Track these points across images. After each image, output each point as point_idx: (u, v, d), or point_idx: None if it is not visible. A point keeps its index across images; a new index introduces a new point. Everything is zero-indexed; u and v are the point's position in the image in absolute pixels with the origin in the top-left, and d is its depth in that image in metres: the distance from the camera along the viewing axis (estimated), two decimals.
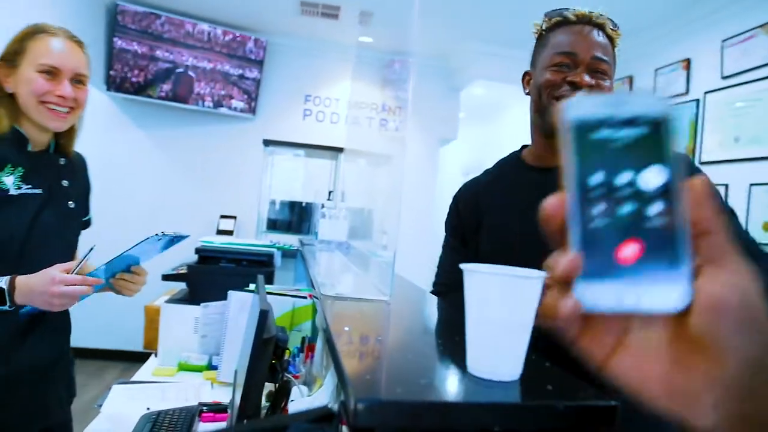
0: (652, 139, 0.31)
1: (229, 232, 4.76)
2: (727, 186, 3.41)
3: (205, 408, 1.73)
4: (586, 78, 1.17)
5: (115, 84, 4.55)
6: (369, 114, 5.39)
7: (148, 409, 1.68)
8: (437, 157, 5.59)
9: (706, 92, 3.65)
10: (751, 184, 3.23)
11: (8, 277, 1.28)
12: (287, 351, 1.57)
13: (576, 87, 1.17)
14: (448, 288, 1.40)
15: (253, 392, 1.24)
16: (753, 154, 3.25)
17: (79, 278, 1.31)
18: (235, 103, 4.95)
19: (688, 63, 3.85)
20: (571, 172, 0.31)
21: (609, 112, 0.31)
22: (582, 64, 1.19)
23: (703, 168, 3.61)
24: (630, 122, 0.31)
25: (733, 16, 3.47)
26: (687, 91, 3.83)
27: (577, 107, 0.31)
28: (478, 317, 0.63)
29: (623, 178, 0.31)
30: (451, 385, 0.66)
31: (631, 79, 4.45)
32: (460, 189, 1.52)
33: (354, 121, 5.39)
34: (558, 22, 1.27)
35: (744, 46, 3.37)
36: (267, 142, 5.11)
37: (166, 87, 4.70)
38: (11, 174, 1.34)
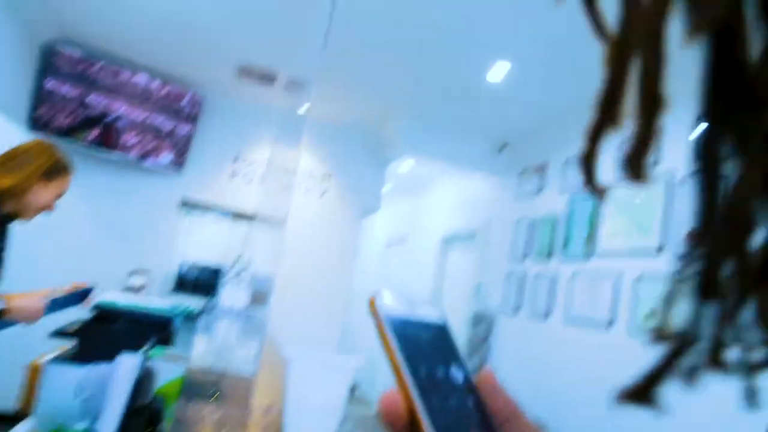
0: (444, 340, 0.35)
1: (140, 289, 4.61)
2: (618, 276, 3.64)
3: None
4: None
5: (39, 124, 4.45)
6: (295, 180, 5.47)
7: None
8: (359, 227, 5.69)
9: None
10: (637, 276, 3.47)
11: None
12: (167, 419, 1.54)
13: None
14: None
15: None
16: (639, 245, 3.50)
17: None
18: (163, 157, 4.91)
19: None
20: (404, 368, 0.31)
21: (409, 315, 0.34)
22: None
23: (598, 257, 3.87)
24: (426, 326, 0.35)
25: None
26: None
27: (388, 305, 0.34)
28: (291, 397, 0.69)
29: (440, 373, 0.33)
30: None
31: (543, 166, 4.76)
32: None
33: (282, 187, 5.45)
34: None
35: None
36: (186, 202, 5.03)
37: (94, 133, 4.63)
38: None
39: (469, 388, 0.33)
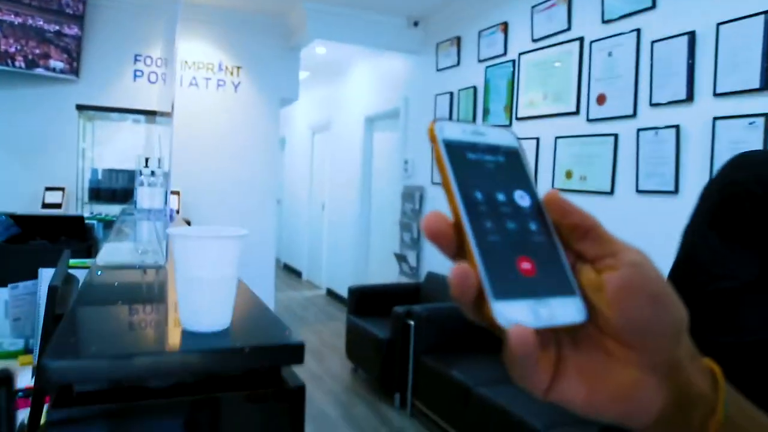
0: (514, 165, 0.34)
1: (57, 206, 4.41)
2: (537, 139, 3.78)
3: (20, 393, 1.66)
4: None
5: None
6: (206, 75, 5.19)
7: None
8: (278, 117, 5.55)
9: (520, 53, 3.97)
10: (556, 137, 3.61)
11: None
12: None
13: None
14: None
15: None
16: (557, 110, 3.62)
17: None
18: (53, 63, 4.52)
19: (505, 26, 4.14)
20: (455, 189, 0.31)
21: (475, 138, 0.33)
22: None
23: (518, 123, 3.97)
24: (493, 149, 0.34)
25: None
26: (505, 52, 4.13)
27: (449, 130, 0.33)
28: (181, 276, 0.71)
29: (501, 197, 0.32)
30: (149, 339, 0.75)
31: (458, 39, 4.70)
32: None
33: (191, 82, 5.17)
34: None
35: (548, 12, 3.70)
36: (81, 107, 4.67)
37: None
38: None
39: (538, 211, 0.33)
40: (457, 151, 0.32)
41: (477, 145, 0.33)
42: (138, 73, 4.94)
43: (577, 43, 3.46)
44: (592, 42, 3.37)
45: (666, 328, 0.31)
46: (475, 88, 4.46)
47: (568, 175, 3.52)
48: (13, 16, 4.30)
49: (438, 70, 4.99)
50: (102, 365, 0.60)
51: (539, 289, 0.30)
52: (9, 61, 4.32)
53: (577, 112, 3.47)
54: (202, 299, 0.71)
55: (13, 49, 4.33)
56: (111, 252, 1.36)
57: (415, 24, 5.19)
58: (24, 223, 2.21)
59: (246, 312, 0.91)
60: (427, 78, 5.20)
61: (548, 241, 0.32)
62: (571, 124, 3.52)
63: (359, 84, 6.69)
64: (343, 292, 6.94)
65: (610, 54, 3.25)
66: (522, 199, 0.33)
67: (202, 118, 5.15)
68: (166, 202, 1.84)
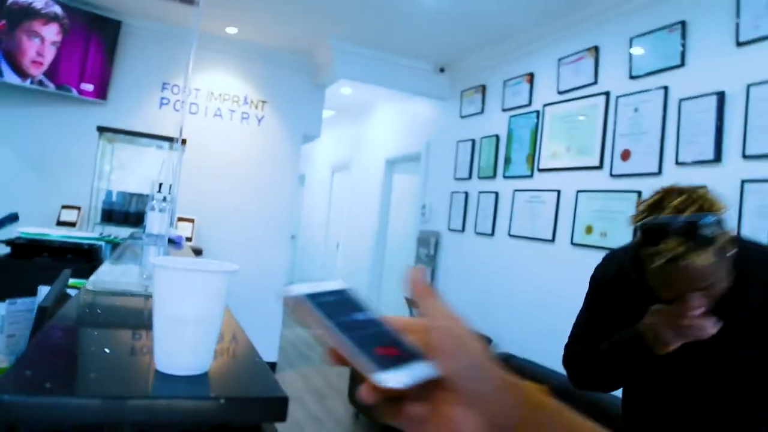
0: (351, 297, 0.47)
1: (72, 224, 4.42)
2: (559, 192, 3.71)
3: None
4: (696, 303, 1.13)
5: None
6: (231, 107, 5.25)
7: None
8: (299, 153, 5.56)
9: (545, 105, 3.95)
10: (578, 191, 3.54)
11: None
12: None
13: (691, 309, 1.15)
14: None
15: None
16: (580, 164, 3.56)
17: None
18: (83, 85, 4.60)
19: (531, 77, 4.14)
20: (330, 326, 0.42)
21: (320, 289, 0.45)
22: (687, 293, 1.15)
23: (540, 175, 3.91)
24: (335, 293, 0.46)
25: (568, 38, 3.79)
26: (530, 103, 4.12)
27: (300, 289, 0.45)
28: (159, 312, 0.63)
29: (357, 317, 0.45)
30: (114, 378, 0.65)
31: (483, 88, 4.71)
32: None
33: (216, 113, 5.22)
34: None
35: (575, 65, 3.69)
36: (102, 129, 4.73)
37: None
38: None
39: (378, 319, 0.45)
40: (316, 298, 0.44)
41: (324, 293, 0.45)
42: (164, 101, 5.01)
43: (603, 98, 3.43)
44: (618, 97, 3.33)
45: (463, 371, 0.41)
46: (497, 137, 4.43)
47: (588, 230, 3.43)
48: (53, 40, 4.40)
49: (462, 117, 4.99)
50: (51, 405, 0.52)
51: (400, 362, 0.41)
52: (38, 81, 4.41)
53: (600, 167, 3.40)
54: (180, 339, 0.62)
55: (43, 69, 4.42)
56: (105, 275, 1.31)
57: (441, 70, 5.22)
58: (30, 240, 2.19)
59: (231, 355, 0.81)
60: (449, 124, 5.20)
61: (391, 331, 0.45)
62: (593, 178, 3.46)
63: (382, 126, 6.73)
64: None
65: (636, 110, 3.20)
66: (366, 314, 0.45)
67: (223, 149, 5.19)
68: (172, 226, 1.80)
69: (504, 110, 4.40)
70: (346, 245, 7.50)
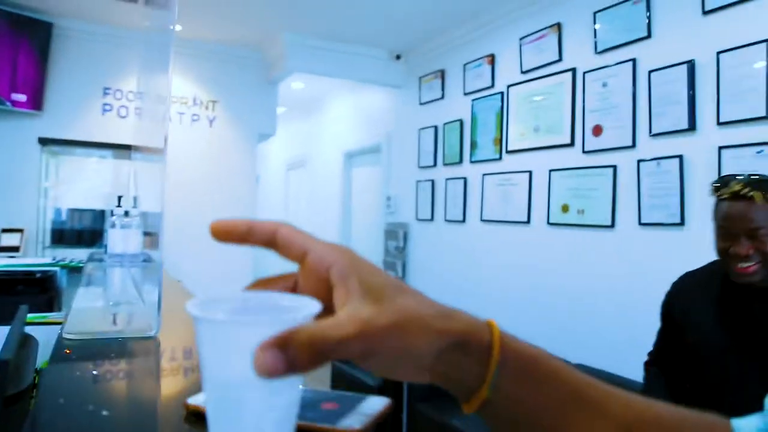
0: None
1: (15, 249, 4.09)
2: (531, 173, 3.65)
3: None
4: (743, 250, 1.39)
5: None
6: (179, 109, 4.98)
7: None
8: (255, 153, 5.34)
9: (508, 85, 3.88)
10: (550, 170, 3.49)
11: None
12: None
13: (740, 257, 1.41)
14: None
15: None
16: (550, 142, 3.50)
17: None
18: (14, 96, 4.26)
19: (492, 58, 4.05)
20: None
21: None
22: (739, 236, 1.41)
23: (509, 157, 3.84)
24: None
25: (529, 16, 3.71)
26: (493, 85, 4.04)
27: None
28: (209, 376, 0.40)
29: None
30: None
31: (443, 72, 4.61)
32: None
33: (159, 117, 4.94)
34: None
35: (538, 44, 3.62)
36: (45, 141, 4.40)
37: None
38: None
39: None
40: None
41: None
42: (107, 107, 4.70)
43: (569, 74, 3.38)
44: (585, 73, 3.28)
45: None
46: (461, 122, 4.34)
47: (564, 208, 3.38)
48: None
49: (421, 103, 4.88)
50: None
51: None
52: None
53: (571, 144, 3.35)
54: (250, 416, 0.38)
55: None
56: (83, 314, 1.12)
57: (398, 57, 5.09)
58: None
59: None
60: (409, 112, 5.08)
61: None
62: (565, 156, 3.40)
63: (337, 119, 6.56)
64: None
65: (604, 84, 3.16)
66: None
67: (174, 154, 4.92)
68: (157, 246, 1.61)
69: (466, 94, 4.31)
70: None
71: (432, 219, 4.68)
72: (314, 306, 0.37)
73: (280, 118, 5.57)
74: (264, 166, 8.95)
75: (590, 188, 3.22)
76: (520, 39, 3.77)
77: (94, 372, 0.72)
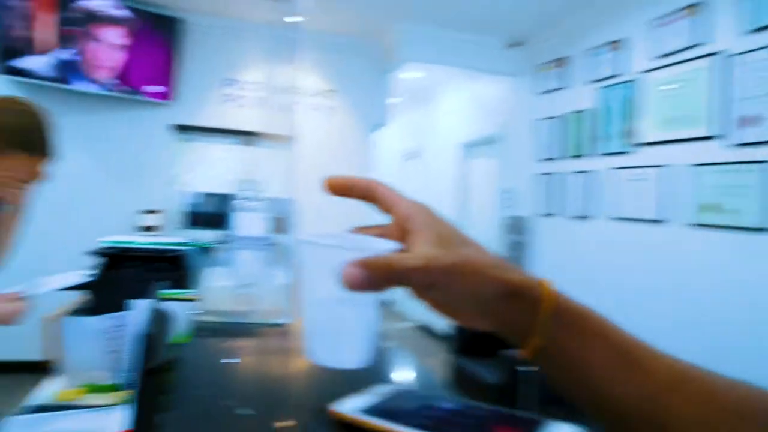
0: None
1: (155, 228, 4.40)
2: (664, 167, 3.37)
3: None
4: None
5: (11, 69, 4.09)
6: (300, 98, 5.12)
7: None
8: (370, 143, 5.38)
9: (640, 72, 3.60)
10: (689, 165, 3.19)
11: None
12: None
13: None
14: None
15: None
16: (690, 134, 3.20)
17: (25, 308, 1.61)
18: (150, 88, 4.56)
19: (619, 44, 3.79)
20: None
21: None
22: None
23: (640, 149, 3.57)
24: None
25: None
26: (621, 72, 3.77)
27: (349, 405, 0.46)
28: (312, 296, 0.54)
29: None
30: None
31: (564, 60, 4.38)
32: None
33: (283, 106, 5.11)
34: None
35: (674, 26, 3.32)
36: (180, 128, 4.71)
37: (68, 68, 4.27)
38: None
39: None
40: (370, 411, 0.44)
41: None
42: (228, 97, 4.93)
43: (712, 59, 3.06)
44: (732, 56, 2.95)
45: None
46: (585, 112, 4.10)
47: (706, 208, 3.08)
48: (113, 40, 4.37)
49: (539, 93, 4.67)
50: None
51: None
52: (107, 86, 4.39)
53: (715, 137, 3.04)
54: (341, 325, 0.53)
55: (112, 74, 4.40)
56: (213, 294, 1.14)
57: (515, 45, 4.91)
58: (118, 250, 2.08)
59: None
60: (526, 102, 4.89)
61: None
62: (707, 149, 3.09)
63: (452, 109, 6.46)
64: (438, 327, 6.62)
65: (759, 69, 2.82)
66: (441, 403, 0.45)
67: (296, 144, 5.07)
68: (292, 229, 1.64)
69: (590, 82, 4.06)
70: None
71: (554, 214, 4.48)
72: (393, 245, 0.48)
73: (395, 109, 5.58)
74: (380, 156, 9.04)
75: (738, 186, 2.91)
76: (652, 21, 3.48)
77: (223, 361, 0.71)
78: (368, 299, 0.54)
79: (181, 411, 0.51)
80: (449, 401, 0.38)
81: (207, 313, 0.93)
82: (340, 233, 0.57)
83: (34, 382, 2.04)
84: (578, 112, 4.17)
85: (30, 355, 3.92)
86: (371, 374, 0.64)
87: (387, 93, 5.41)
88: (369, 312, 0.55)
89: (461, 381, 4.11)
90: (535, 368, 0.41)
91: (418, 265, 0.38)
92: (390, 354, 0.79)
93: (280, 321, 0.91)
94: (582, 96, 4.15)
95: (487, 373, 3.73)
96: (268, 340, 0.84)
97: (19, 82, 4.30)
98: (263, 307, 1.03)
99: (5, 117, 1.42)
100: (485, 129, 5.58)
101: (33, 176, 1.51)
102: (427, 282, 0.39)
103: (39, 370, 2.15)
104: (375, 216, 0.50)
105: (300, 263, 0.54)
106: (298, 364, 0.66)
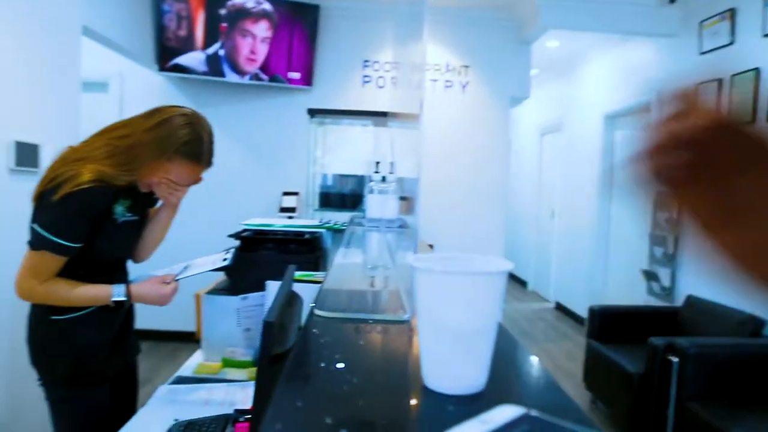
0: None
1: (292, 210, 4.59)
2: None
3: (240, 418, 1.53)
4: None
5: (166, 64, 4.44)
6: (433, 76, 5.03)
7: (175, 420, 1.50)
8: (508, 118, 5.15)
9: None
10: None
11: (124, 290, 1.60)
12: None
13: None
14: None
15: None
16: None
17: (176, 286, 1.70)
18: (290, 74, 4.72)
19: None
20: None
21: None
22: None
23: None
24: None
25: None
26: None
27: None
28: (428, 322, 0.56)
29: None
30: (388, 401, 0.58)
31: (733, 12, 3.85)
32: None
33: (415, 84, 5.05)
34: None
35: None
36: (312, 112, 4.83)
37: (219, 62, 4.54)
38: (121, 205, 1.60)
39: None
40: None
41: None
42: (366, 79, 4.97)
43: None
44: None
45: None
46: (757, 71, 3.58)
47: None
48: (258, 33, 4.57)
49: (702, 53, 4.16)
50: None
51: None
52: (253, 75, 4.61)
53: None
54: (452, 353, 0.55)
55: (257, 65, 4.61)
56: (342, 272, 1.10)
57: (671, 1, 4.40)
58: (255, 233, 2.15)
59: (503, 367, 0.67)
60: (686, 64, 4.37)
61: None
62: None
63: (596, 78, 6.00)
64: (575, 308, 6.29)
65: None
66: None
67: (429, 121, 5.00)
68: (414, 213, 1.59)
69: (766, 36, 3.53)
70: (563, 213, 6.93)
71: None
72: (507, 264, 0.52)
73: (532, 81, 5.29)
74: (515, 131, 8.72)
75: None
76: None
77: (340, 365, 0.66)
78: (488, 326, 0.55)
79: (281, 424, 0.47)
80: None
81: (325, 311, 0.89)
82: (452, 255, 0.57)
83: (189, 351, 2.20)
84: (747, 71, 3.65)
85: (185, 326, 4.30)
86: (490, 396, 0.57)
87: (528, 64, 5.13)
88: (488, 339, 0.56)
89: (596, 369, 3.84)
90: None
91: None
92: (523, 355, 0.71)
93: (402, 317, 0.84)
94: (754, 53, 3.62)
95: (626, 361, 3.43)
96: (387, 341, 0.78)
97: (178, 78, 4.67)
98: (388, 305, 0.97)
99: (179, 127, 1.55)
100: (635, 97, 5.11)
101: (193, 182, 1.65)
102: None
103: (191, 340, 2.31)
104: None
105: (415, 288, 0.56)
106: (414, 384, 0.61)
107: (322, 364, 0.68)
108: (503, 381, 0.61)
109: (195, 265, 1.78)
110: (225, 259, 1.79)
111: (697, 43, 4.22)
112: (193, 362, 2.02)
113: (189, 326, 4.52)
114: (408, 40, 4.89)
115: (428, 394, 0.56)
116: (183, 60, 4.43)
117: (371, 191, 1.91)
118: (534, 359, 0.73)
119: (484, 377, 0.57)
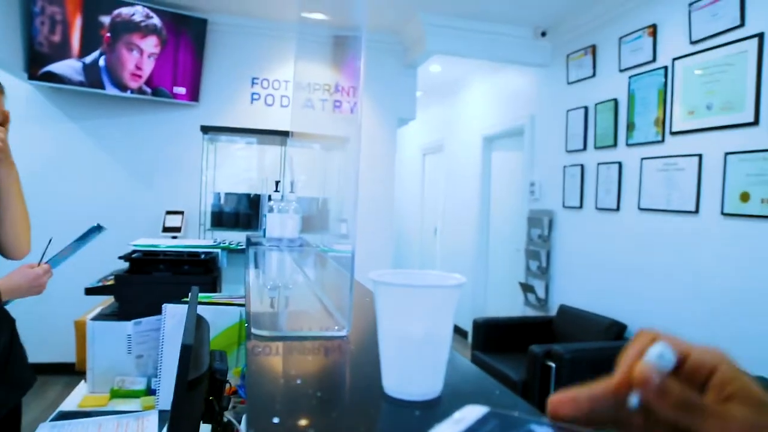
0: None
1: (177, 229, 4.40)
2: (701, 156, 3.25)
3: None
4: None
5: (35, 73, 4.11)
6: (322, 96, 5.06)
7: None
8: (395, 138, 5.32)
9: (674, 59, 3.48)
10: (726, 153, 3.08)
11: None
12: (228, 385, 1.28)
13: None
14: None
15: None
16: (726, 122, 3.09)
17: (47, 268, 1.69)
18: (176, 89, 4.56)
19: (654, 29, 3.66)
20: None
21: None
22: None
23: (673, 139, 3.45)
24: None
25: None
26: (654, 59, 3.65)
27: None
28: (390, 333, 0.59)
29: None
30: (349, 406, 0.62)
31: (594, 48, 4.26)
32: None
33: (306, 104, 5.06)
34: None
35: (712, 8, 3.20)
36: (206, 129, 4.67)
37: (95, 73, 4.28)
38: None
39: None
40: None
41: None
42: (255, 96, 4.90)
43: (754, 41, 2.93)
44: None
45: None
46: (616, 101, 3.99)
47: (744, 197, 2.97)
48: (145, 48, 4.37)
49: (569, 83, 4.56)
50: None
51: None
52: (135, 90, 4.39)
53: (755, 123, 2.92)
54: (414, 362, 0.59)
55: (141, 81, 4.40)
56: (261, 299, 1.09)
57: (543, 34, 4.80)
58: (148, 254, 2.05)
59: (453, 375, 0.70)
60: (555, 92, 4.78)
61: None
62: (747, 137, 2.98)
63: (476, 102, 6.37)
64: (459, 322, 6.55)
65: None
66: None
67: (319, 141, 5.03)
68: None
69: (622, 71, 3.95)
70: (444, 230, 7.22)
71: (581, 206, 4.38)
72: (462, 279, 0.58)
73: (416, 103, 5.50)
74: (399, 151, 8.96)
75: None
76: (690, 5, 3.35)
77: (295, 381, 0.66)
78: (447, 335, 0.59)
79: None
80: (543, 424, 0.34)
81: (262, 330, 0.88)
82: (408, 272, 0.61)
83: (59, 385, 2.04)
84: (607, 101, 4.06)
85: (51, 358, 3.97)
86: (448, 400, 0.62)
87: (414, 87, 5.33)
88: (445, 346, 0.59)
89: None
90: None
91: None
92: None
93: (339, 334, 0.86)
94: (612, 84, 4.04)
95: (509, 369, 3.65)
96: (335, 356, 0.80)
97: (51, 88, 4.33)
98: (322, 322, 0.98)
99: None
100: (511, 121, 5.48)
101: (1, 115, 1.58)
102: None
103: (61, 371, 2.14)
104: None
105: (375, 301, 0.59)
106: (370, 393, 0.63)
107: (282, 381, 0.68)
108: (452, 385, 0.65)
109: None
110: (98, 226, 1.80)
111: (565, 73, 4.62)
112: (78, 395, 1.88)
113: (56, 357, 4.20)
114: (297, 60, 4.91)
115: (392, 401, 0.59)
116: (56, 68, 4.12)
117: (271, 210, 1.89)
118: (466, 362, 0.78)
119: (441, 382, 0.61)
